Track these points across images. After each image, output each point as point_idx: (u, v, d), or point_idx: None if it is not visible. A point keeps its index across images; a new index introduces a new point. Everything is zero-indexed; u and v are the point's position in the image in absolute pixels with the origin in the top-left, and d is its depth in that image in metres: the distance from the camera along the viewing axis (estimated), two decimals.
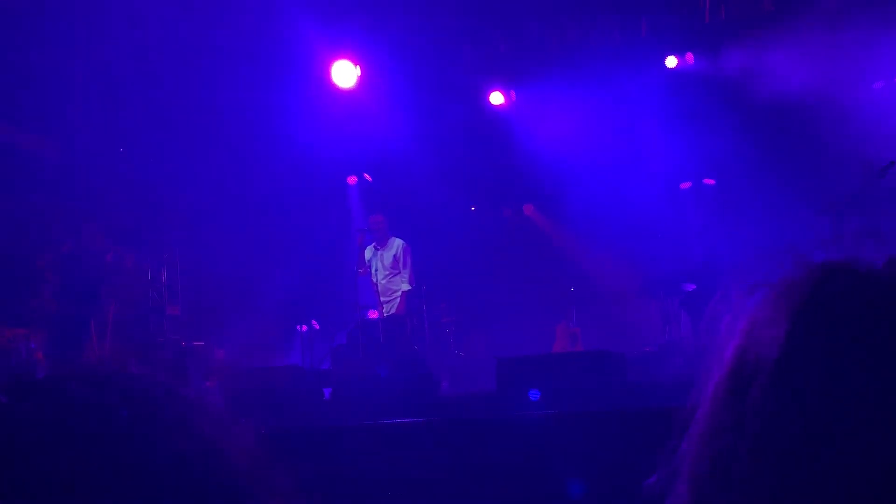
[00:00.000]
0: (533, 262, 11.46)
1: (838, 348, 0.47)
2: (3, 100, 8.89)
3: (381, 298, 8.01)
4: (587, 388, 5.52)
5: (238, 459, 0.56)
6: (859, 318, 0.47)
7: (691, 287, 9.18)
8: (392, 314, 7.95)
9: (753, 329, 0.52)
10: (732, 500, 0.48)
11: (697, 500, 0.51)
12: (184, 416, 0.56)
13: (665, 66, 10.17)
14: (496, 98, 11.01)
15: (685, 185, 10.89)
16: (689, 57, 10.12)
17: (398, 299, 7.92)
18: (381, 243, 8.07)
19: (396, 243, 8.02)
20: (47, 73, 9.08)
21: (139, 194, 11.21)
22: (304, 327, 11.21)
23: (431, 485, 4.11)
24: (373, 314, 8.97)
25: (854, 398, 0.45)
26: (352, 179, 12.31)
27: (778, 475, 0.47)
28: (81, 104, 9.83)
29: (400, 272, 7.96)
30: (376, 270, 8.01)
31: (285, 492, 0.59)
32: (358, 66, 10.26)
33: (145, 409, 0.55)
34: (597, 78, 9.93)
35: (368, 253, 8.05)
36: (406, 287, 7.91)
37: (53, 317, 9.06)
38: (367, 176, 12.19)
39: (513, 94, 11.06)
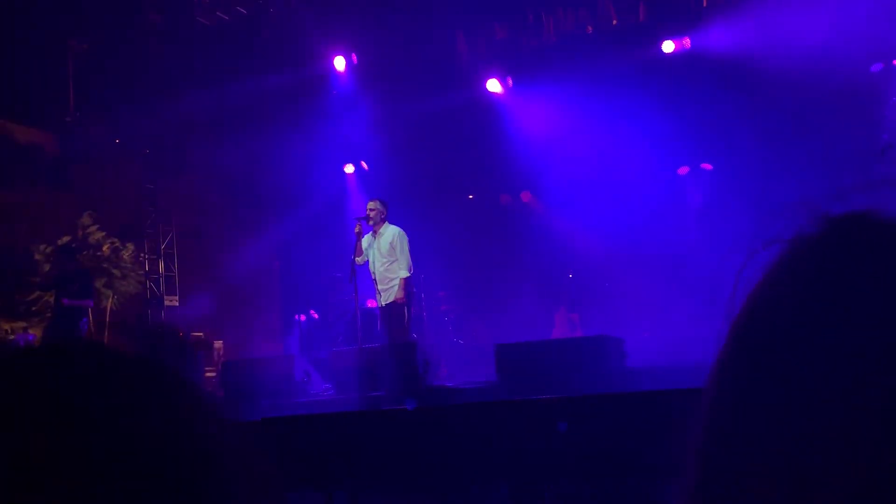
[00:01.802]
0: (531, 248, 11.44)
1: (853, 305, 0.43)
2: (2, 93, 8.85)
3: (379, 287, 7.96)
4: (586, 373, 5.53)
5: (232, 449, 0.54)
6: (877, 272, 0.43)
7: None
8: (390, 302, 7.91)
9: (761, 290, 0.48)
10: (736, 471, 0.45)
11: (704, 473, 0.48)
12: (175, 403, 0.54)
13: (662, 51, 10.11)
14: (493, 86, 10.96)
15: (683, 171, 10.87)
16: (686, 41, 10.06)
17: (395, 287, 7.88)
18: (378, 231, 8.03)
19: (391, 231, 7.96)
20: (44, 64, 9.03)
21: (136, 186, 11.18)
22: (303, 317, 11.22)
23: (430, 471, 4.10)
24: (371, 303, 8.94)
25: (870, 359, 0.41)
26: (349, 168, 12.29)
27: (783, 447, 0.44)
28: (77, 96, 9.78)
29: (397, 259, 7.91)
30: (373, 259, 7.96)
31: (279, 480, 0.57)
32: (353, 53, 10.21)
33: (134, 394, 0.52)
34: (593, 64, 9.88)
35: (365, 242, 8.00)
36: (404, 274, 7.86)
37: (51, 309, 9.04)
38: (363, 164, 12.16)
39: (510, 81, 11.01)
